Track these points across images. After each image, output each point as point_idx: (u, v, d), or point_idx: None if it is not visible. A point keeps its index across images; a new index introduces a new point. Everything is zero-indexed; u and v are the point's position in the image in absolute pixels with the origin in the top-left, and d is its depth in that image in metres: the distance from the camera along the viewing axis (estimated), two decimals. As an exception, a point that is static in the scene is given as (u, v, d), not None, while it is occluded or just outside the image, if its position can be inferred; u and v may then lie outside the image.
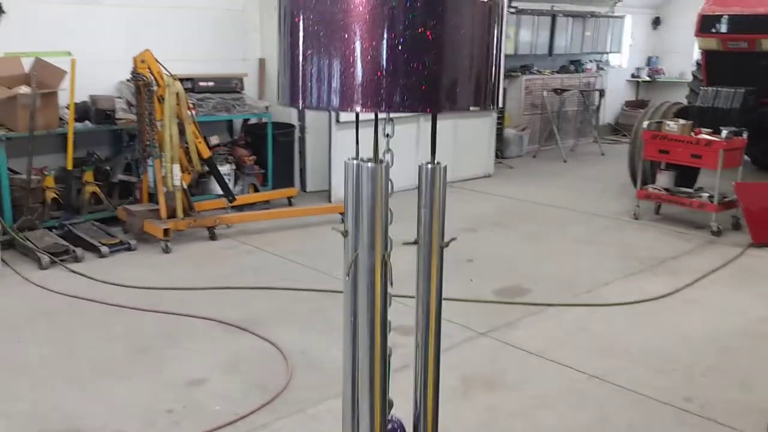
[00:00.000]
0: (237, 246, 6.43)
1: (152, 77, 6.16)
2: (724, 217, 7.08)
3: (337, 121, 7.74)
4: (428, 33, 1.44)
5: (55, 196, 6.55)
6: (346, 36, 1.46)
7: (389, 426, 1.97)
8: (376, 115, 1.69)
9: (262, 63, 8.49)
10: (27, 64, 6.37)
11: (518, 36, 11.26)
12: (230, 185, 7.32)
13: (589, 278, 5.73)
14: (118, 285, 5.34)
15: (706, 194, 7.12)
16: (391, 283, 1.80)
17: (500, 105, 9.91)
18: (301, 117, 8.32)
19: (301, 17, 1.51)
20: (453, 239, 1.88)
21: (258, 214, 7.09)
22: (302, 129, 8.33)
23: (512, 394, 3.91)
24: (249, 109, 7.82)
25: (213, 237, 6.52)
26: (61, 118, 6.48)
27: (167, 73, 6.22)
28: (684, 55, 13.32)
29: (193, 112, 6.78)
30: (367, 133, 1.76)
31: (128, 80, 6.56)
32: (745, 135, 6.99)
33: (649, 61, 14.26)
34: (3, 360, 4.19)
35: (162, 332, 4.58)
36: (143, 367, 4.13)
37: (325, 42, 1.49)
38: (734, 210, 7.10)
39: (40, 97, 6.13)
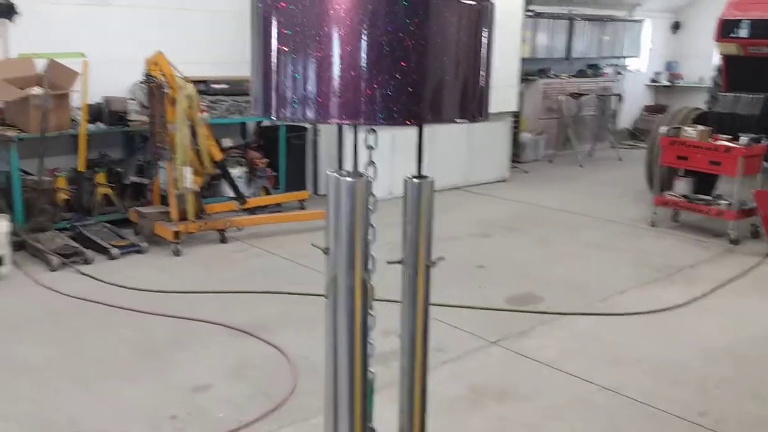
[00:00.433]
0: (247, 249, 6.39)
1: (164, 79, 6.14)
2: (742, 225, 6.94)
3: (350, 124, 7.68)
4: (409, 40, 1.34)
5: (67, 197, 6.54)
6: (322, 43, 1.36)
7: None
8: (356, 127, 1.60)
9: (276, 65, 8.44)
10: (40, 65, 6.37)
11: (535, 39, 11.16)
12: (242, 188, 7.28)
13: (603, 286, 5.63)
14: (126, 287, 5.32)
15: (725, 202, 6.99)
16: (371, 307, 1.70)
17: (516, 109, 9.81)
18: (315, 120, 8.27)
19: (275, 22, 1.42)
20: (440, 258, 1.79)
21: (269, 217, 7.05)
22: (315, 131, 8.29)
23: (523, 405, 3.83)
24: (262, 111, 7.77)
25: (224, 240, 6.49)
26: (73, 120, 6.48)
27: (179, 75, 6.20)
28: (704, 59, 13.13)
29: (206, 114, 6.76)
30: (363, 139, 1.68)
31: (141, 82, 6.55)
32: (764, 142, 6.85)
33: (668, 66, 14.09)
34: (9, 361, 4.17)
35: (169, 336, 4.55)
36: (149, 370, 4.09)
37: (300, 49, 1.39)
38: (753, 218, 6.95)
39: (52, 98, 6.13)
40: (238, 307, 5.03)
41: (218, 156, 6.61)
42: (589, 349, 4.52)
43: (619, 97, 12.33)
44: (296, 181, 8.08)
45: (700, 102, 10.11)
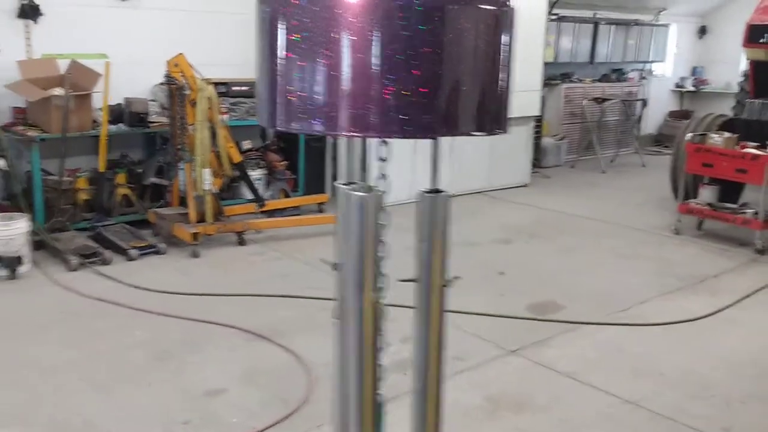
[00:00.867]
0: (265, 252, 6.37)
1: (185, 81, 6.14)
2: (769, 235, 6.80)
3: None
4: (425, 48, 1.25)
5: (87, 197, 6.56)
6: (332, 50, 1.27)
7: None
8: (364, 139, 1.52)
9: (297, 68, 8.42)
10: (63, 66, 6.40)
11: (558, 43, 11.05)
12: (261, 190, 7.27)
13: (625, 295, 5.53)
14: (144, 289, 5.31)
15: (751, 211, 6.84)
16: (380, 332, 1.62)
17: (538, 113, 9.71)
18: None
19: (282, 27, 1.33)
20: (456, 278, 1.71)
21: (287, 220, 7.02)
22: (335, 135, 8.25)
23: (542, 417, 3.75)
24: (282, 113, 7.75)
25: (242, 242, 6.47)
26: (94, 120, 6.49)
27: (200, 77, 6.19)
28: (731, 65, 12.93)
29: (225, 116, 6.75)
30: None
31: (162, 84, 6.56)
32: (793, 150, 6.70)
33: (694, 71, 13.90)
34: (27, 361, 4.16)
35: (185, 338, 4.52)
36: (164, 374, 4.07)
37: (308, 56, 1.30)
38: (780, 227, 6.80)
39: (73, 99, 6.15)
40: (255, 311, 5.00)
41: (237, 158, 6.59)
42: (610, 360, 4.43)
43: (644, 102, 12.17)
44: (315, 184, 8.05)
45: (727, 108, 9.92)
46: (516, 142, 9.31)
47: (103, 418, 3.58)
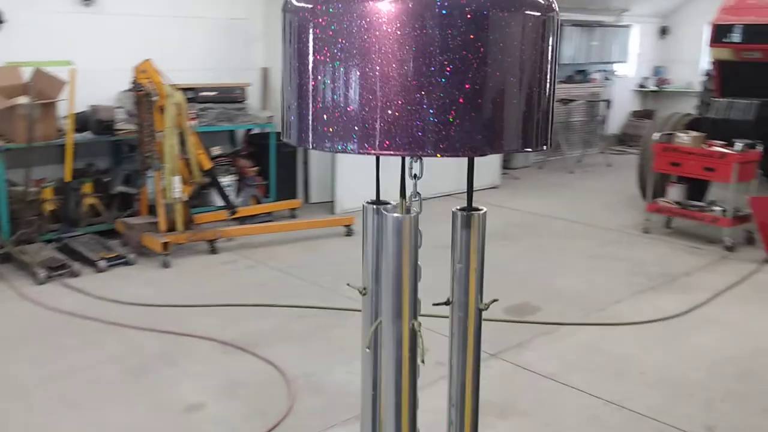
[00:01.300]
0: (238, 260, 6.27)
1: (152, 87, 6.02)
2: (737, 232, 6.90)
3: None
4: (468, 59, 1.16)
5: (53, 208, 6.39)
6: (368, 61, 1.17)
7: None
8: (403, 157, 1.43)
9: (265, 72, 8.35)
10: (27, 73, 6.22)
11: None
12: (232, 197, 7.16)
13: (600, 295, 5.56)
14: (115, 301, 5.18)
15: (719, 208, 6.95)
16: (423, 360, 1.50)
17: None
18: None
19: (312, 38, 1.22)
20: (494, 300, 1.65)
21: (260, 227, 6.93)
22: (306, 139, 8.17)
23: (525, 421, 3.74)
24: (251, 119, 7.67)
25: (214, 251, 6.36)
26: (60, 129, 6.34)
27: (168, 83, 6.08)
28: (691, 64, 13.17)
29: (194, 122, 6.64)
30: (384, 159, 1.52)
31: (128, 90, 6.43)
32: (759, 148, 6.82)
33: (655, 71, 14.10)
34: (-6, 381, 4.03)
35: (160, 352, 4.42)
36: (140, 389, 3.97)
37: (342, 69, 1.20)
38: (747, 224, 6.91)
39: (38, 108, 6.00)
40: (230, 322, 4.91)
41: (207, 165, 6.48)
42: (590, 361, 4.44)
43: (608, 102, 12.31)
44: (287, 190, 7.97)
45: (688, 107, 10.10)
46: (485, 143, 9.30)
47: (79, 438, 3.47)
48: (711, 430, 3.63)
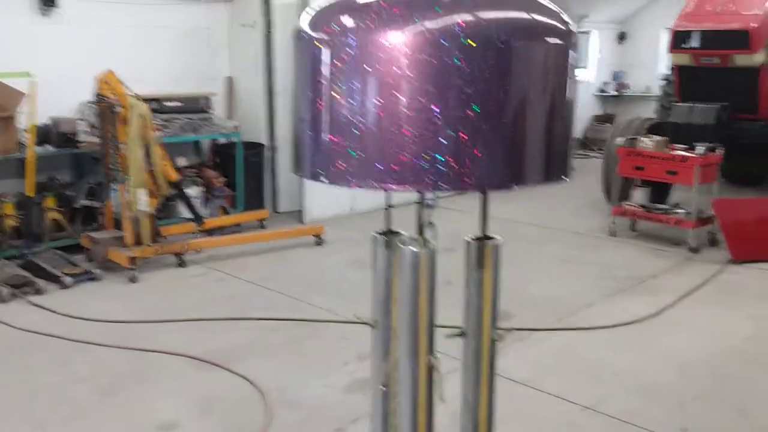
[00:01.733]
0: (207, 273, 6.18)
1: (115, 98, 5.91)
2: (700, 234, 7.03)
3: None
4: (498, 91, 1.10)
5: (15, 224, 6.23)
6: (388, 95, 1.11)
7: None
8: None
9: (230, 82, 8.27)
10: (-17, 85, 6.07)
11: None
12: (199, 208, 7.07)
13: (571, 300, 5.60)
14: (82, 319, 5.06)
15: (683, 211, 7.07)
16: (442, 398, 1.46)
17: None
18: (272, 136, 8.12)
19: (326, 68, 1.15)
20: (509, 330, 1.61)
21: (228, 238, 6.84)
22: (273, 148, 8.12)
23: (502, 429, 3.72)
24: (217, 129, 7.59)
25: (182, 264, 6.26)
26: (20, 142, 6.18)
27: (131, 93, 5.98)
28: (649, 69, 13.43)
29: (159, 133, 6.54)
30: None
31: (91, 102, 6.30)
32: (720, 151, 6.96)
33: (615, 76, 14.33)
34: (-42, 406, 3.90)
35: (130, 370, 4.32)
36: (110, 409, 3.87)
37: (360, 101, 1.13)
38: (710, 226, 7.05)
39: (-3, 121, 5.85)
40: (201, 336, 4.83)
41: (173, 176, 6.38)
42: (564, 366, 4.47)
43: (571, 107, 12.46)
44: (255, 200, 7.89)
45: (648, 111, 10.26)
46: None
47: (50, 462, 3.37)
48: (686, 431, 3.68)
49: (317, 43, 1.21)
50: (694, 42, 7.86)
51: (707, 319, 5.27)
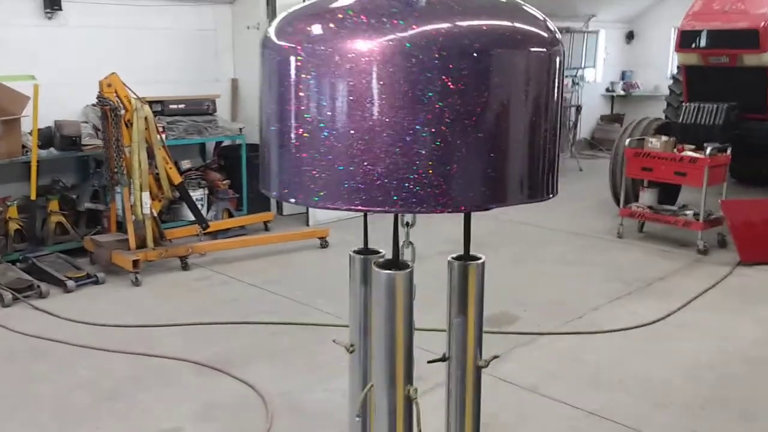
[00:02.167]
0: (211, 276, 6.15)
1: (119, 101, 5.89)
2: (709, 235, 6.95)
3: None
4: (466, 104, 1.02)
5: (19, 227, 6.22)
6: (358, 108, 1.03)
7: None
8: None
9: (234, 84, 8.25)
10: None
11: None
12: (203, 211, 7.05)
13: (577, 303, 5.54)
14: (84, 323, 5.04)
15: (691, 212, 6.99)
16: (420, 430, 1.39)
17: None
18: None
19: (295, 81, 1.07)
20: (495, 357, 1.54)
21: (233, 241, 6.81)
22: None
23: (507, 435, 3.69)
24: (222, 131, 7.56)
25: (185, 267, 6.23)
26: (24, 146, 6.17)
27: (135, 96, 5.96)
28: (658, 68, 13.33)
29: (163, 136, 6.52)
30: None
31: (94, 105, 6.29)
32: (729, 151, 6.89)
33: (623, 75, 14.23)
34: (-41, 412, 3.88)
35: (132, 375, 4.30)
36: (113, 415, 3.85)
37: (329, 114, 1.05)
38: (719, 227, 6.97)
39: (1, 125, 5.84)
40: (204, 341, 4.80)
41: (177, 179, 6.36)
42: (570, 371, 4.41)
43: (578, 108, 12.39)
44: (260, 202, 7.84)
45: (657, 111, 10.17)
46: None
47: (49, 469, 3.35)
48: (693, 439, 3.62)
49: (282, 52, 1.14)
50: (702, 41, 7.78)
51: (715, 323, 5.20)
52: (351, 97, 1.08)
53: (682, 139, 7.27)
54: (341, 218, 7.77)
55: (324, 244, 6.93)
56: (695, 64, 8.05)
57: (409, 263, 1.30)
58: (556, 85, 1.23)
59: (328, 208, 1.11)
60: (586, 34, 12.85)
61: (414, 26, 1.04)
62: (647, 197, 7.39)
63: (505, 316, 5.28)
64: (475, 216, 6.45)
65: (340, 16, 1.05)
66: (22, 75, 6.00)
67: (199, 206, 6.94)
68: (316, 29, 1.08)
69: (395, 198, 1.10)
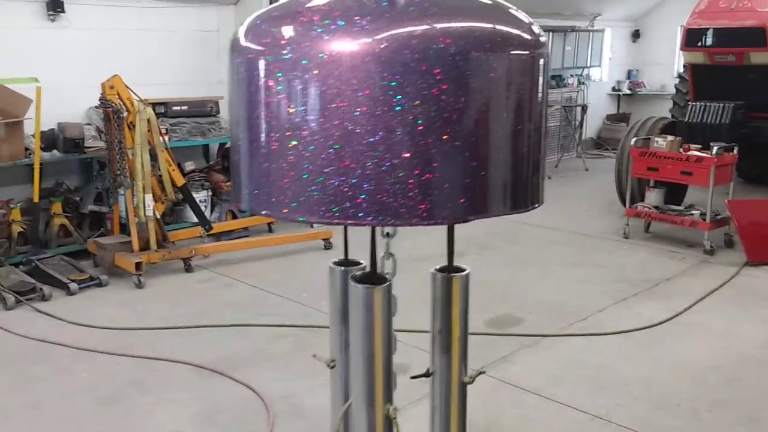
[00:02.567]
0: (214, 278, 6.13)
1: (122, 103, 5.88)
2: (716, 235, 6.89)
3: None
4: (447, 109, 0.96)
5: (22, 229, 6.22)
6: (330, 116, 0.96)
7: None
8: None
9: (238, 85, 8.22)
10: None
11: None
12: (207, 213, 7.03)
13: (582, 304, 5.50)
14: (87, 326, 5.03)
15: (698, 212, 6.94)
16: None
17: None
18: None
19: (268, 91, 1.00)
20: (481, 373, 1.48)
21: (236, 243, 6.79)
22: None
23: (511, 439, 3.65)
24: (225, 132, 7.54)
25: (189, 269, 6.22)
26: (27, 148, 6.17)
27: (137, 98, 5.94)
28: (664, 67, 13.25)
29: (166, 138, 6.51)
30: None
31: (97, 107, 6.28)
32: (735, 150, 6.83)
33: (629, 74, 14.15)
34: (-40, 415, 3.87)
35: (134, 379, 4.28)
36: (114, 419, 3.83)
37: (300, 122, 0.98)
38: (726, 227, 6.91)
39: (4, 127, 5.83)
40: (207, 344, 4.78)
41: (180, 181, 6.35)
42: (574, 374, 4.37)
43: (584, 107, 12.33)
44: (263, 204, 7.84)
45: (663, 110, 10.10)
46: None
47: (50, 473, 3.33)
48: (699, 443, 3.57)
49: (249, 56, 1.09)
50: (709, 40, 7.72)
51: (722, 324, 5.15)
52: (319, 104, 1.02)
53: (689, 138, 7.21)
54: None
55: (328, 245, 6.91)
56: (701, 62, 7.99)
57: (387, 276, 1.23)
58: (540, 89, 1.17)
59: (297, 221, 1.05)
60: (591, 33, 12.78)
61: (386, 28, 0.98)
62: (653, 197, 7.34)
63: (509, 317, 5.24)
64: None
65: (309, 18, 1.00)
66: (25, 77, 5.99)
67: (203, 208, 6.92)
68: (286, 31, 1.03)
69: (368, 210, 1.03)
